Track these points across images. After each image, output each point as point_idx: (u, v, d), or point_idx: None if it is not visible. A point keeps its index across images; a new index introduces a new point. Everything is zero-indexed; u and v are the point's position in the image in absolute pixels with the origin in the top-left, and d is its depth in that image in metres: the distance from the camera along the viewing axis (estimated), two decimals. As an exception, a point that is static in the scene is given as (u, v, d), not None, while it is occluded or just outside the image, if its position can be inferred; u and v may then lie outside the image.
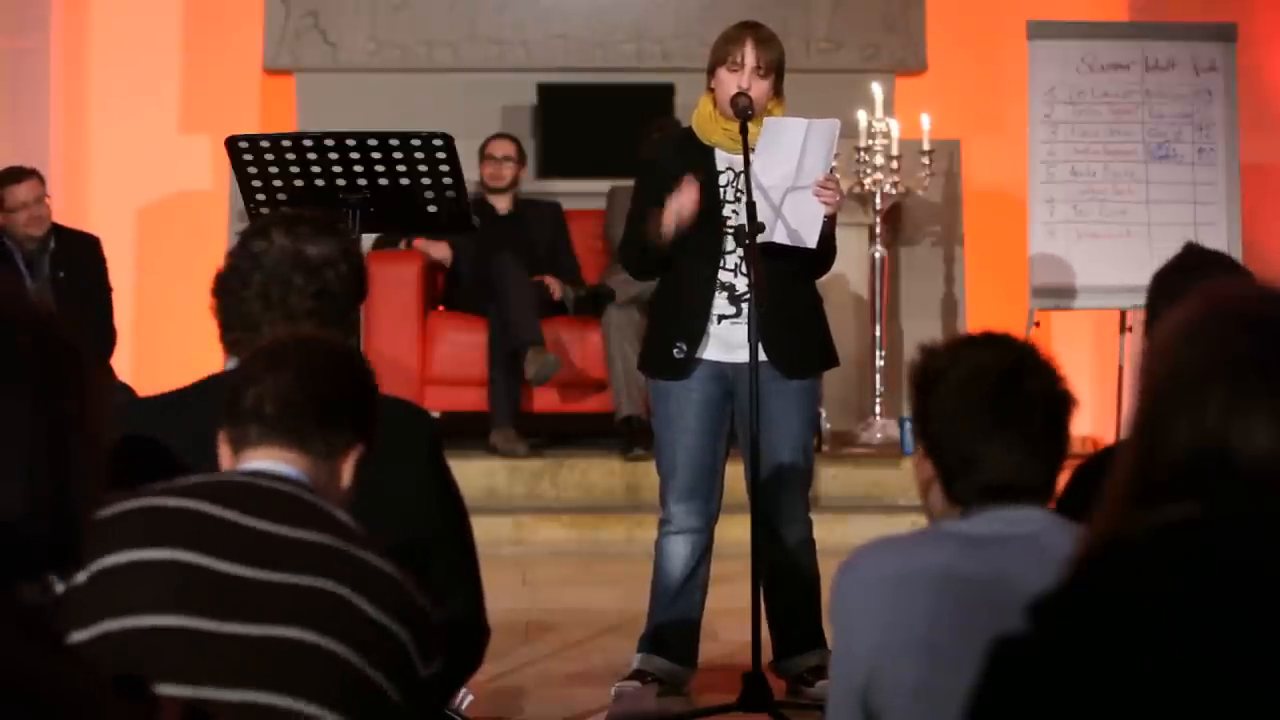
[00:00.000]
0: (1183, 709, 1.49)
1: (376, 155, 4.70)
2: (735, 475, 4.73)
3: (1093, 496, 1.67)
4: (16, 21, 7.96)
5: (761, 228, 4.39)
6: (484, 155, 7.74)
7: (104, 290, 7.16)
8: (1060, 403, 2.22)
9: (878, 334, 7.68)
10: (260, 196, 4.74)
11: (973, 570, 2.14)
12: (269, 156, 4.71)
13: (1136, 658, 1.50)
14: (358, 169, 4.70)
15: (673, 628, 4.69)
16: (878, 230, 7.76)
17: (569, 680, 4.95)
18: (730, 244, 4.62)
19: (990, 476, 2.20)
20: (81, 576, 2.08)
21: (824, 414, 7.27)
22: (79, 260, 7.08)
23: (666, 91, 8.26)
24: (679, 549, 4.68)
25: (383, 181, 4.72)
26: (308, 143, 4.71)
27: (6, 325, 1.52)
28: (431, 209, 4.81)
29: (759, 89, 4.55)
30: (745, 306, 4.58)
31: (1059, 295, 6.88)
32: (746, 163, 4.42)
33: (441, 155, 4.74)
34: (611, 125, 8.03)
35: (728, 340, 4.62)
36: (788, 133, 4.54)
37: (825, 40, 8.56)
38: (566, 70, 8.52)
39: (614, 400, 7.23)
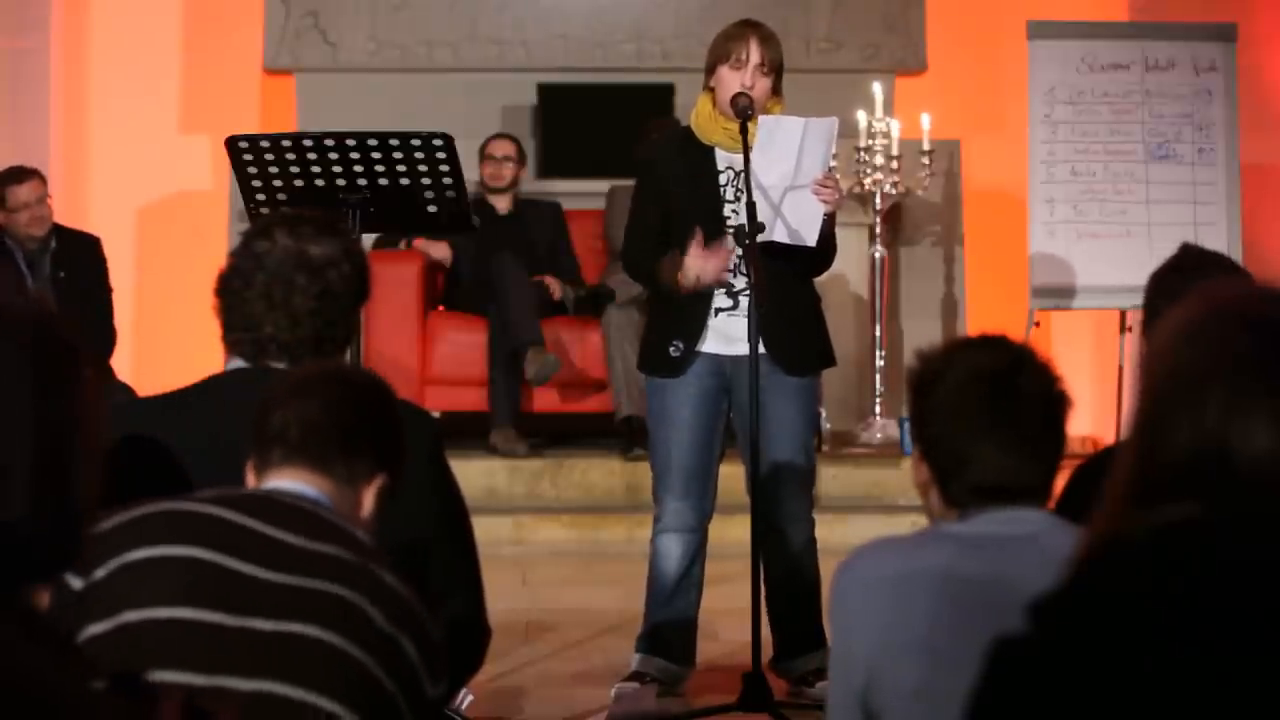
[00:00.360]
0: (1183, 709, 1.49)
1: (376, 155, 4.70)
2: (735, 475, 4.72)
3: (1092, 496, 1.67)
4: (16, 21, 7.97)
5: (761, 227, 4.39)
6: (484, 155, 7.74)
7: (104, 290, 7.16)
8: (1057, 404, 2.23)
9: (878, 334, 7.68)
10: (260, 196, 4.75)
11: (972, 571, 2.15)
12: (269, 156, 4.71)
13: (1136, 658, 1.50)
14: (358, 169, 4.71)
15: (670, 627, 4.69)
16: (878, 230, 7.76)
17: (569, 680, 4.94)
18: (730, 244, 4.62)
19: (985, 477, 2.20)
20: (103, 571, 2.11)
21: (824, 414, 7.27)
22: (79, 260, 7.08)
23: (666, 91, 8.26)
24: (673, 548, 4.66)
25: (383, 181, 4.72)
26: (308, 143, 4.71)
27: (5, 325, 1.52)
28: (431, 209, 4.81)
29: (761, 87, 4.55)
30: (743, 300, 4.57)
31: (1059, 295, 6.88)
32: (747, 162, 4.42)
33: (441, 155, 4.74)
34: (611, 125, 8.03)
35: (726, 333, 4.61)
36: (785, 132, 4.53)
37: (825, 40, 8.56)
38: (566, 70, 8.52)
39: (614, 400, 7.23)
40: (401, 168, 4.72)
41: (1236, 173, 6.85)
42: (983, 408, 2.20)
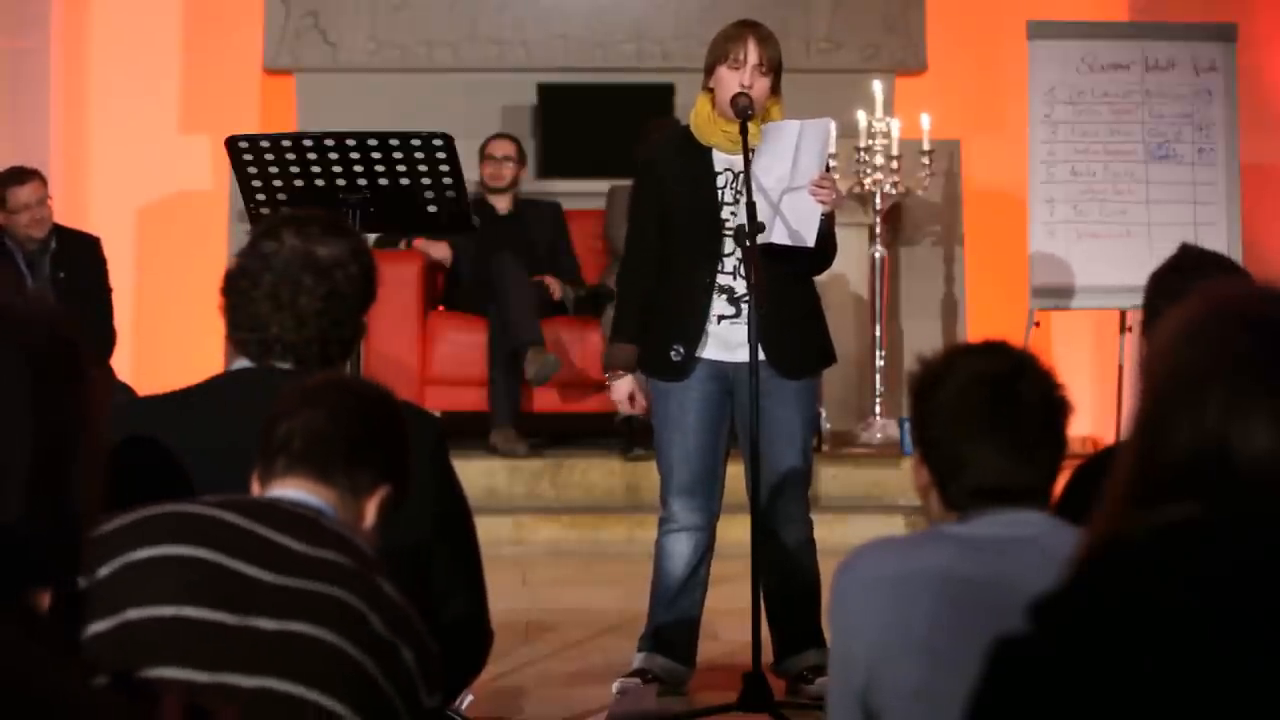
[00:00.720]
0: (1183, 709, 1.49)
1: (376, 155, 4.70)
2: (735, 475, 4.73)
3: (1092, 497, 1.67)
4: (16, 21, 7.96)
5: (761, 228, 4.39)
6: (484, 155, 7.74)
7: (104, 290, 7.15)
8: (1057, 409, 2.23)
9: (878, 334, 7.69)
10: (260, 197, 4.74)
11: (972, 571, 2.15)
12: (269, 156, 4.71)
13: (1136, 658, 1.50)
14: (358, 169, 4.71)
15: (673, 627, 4.69)
16: (878, 230, 7.76)
17: (569, 680, 4.95)
18: (729, 245, 4.62)
19: (983, 479, 2.21)
20: (106, 570, 2.12)
21: (824, 414, 7.27)
22: (79, 260, 7.08)
23: (666, 91, 8.26)
24: (680, 547, 4.68)
25: (383, 181, 4.72)
26: (308, 143, 4.71)
27: (5, 325, 1.52)
28: (431, 209, 4.81)
29: (760, 87, 4.55)
30: (745, 307, 4.58)
31: (1059, 295, 6.88)
32: (747, 163, 4.42)
33: (441, 155, 4.74)
34: (611, 125, 8.03)
35: (727, 340, 4.62)
36: (782, 135, 4.54)
37: (825, 40, 8.56)
38: (566, 70, 8.52)
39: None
40: (401, 168, 4.72)
41: (1236, 173, 6.85)
42: (983, 412, 2.21)
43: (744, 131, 4.45)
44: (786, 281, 4.57)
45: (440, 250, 7.56)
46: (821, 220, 4.54)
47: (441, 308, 7.66)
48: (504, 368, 7.25)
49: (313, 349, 2.81)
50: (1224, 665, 1.49)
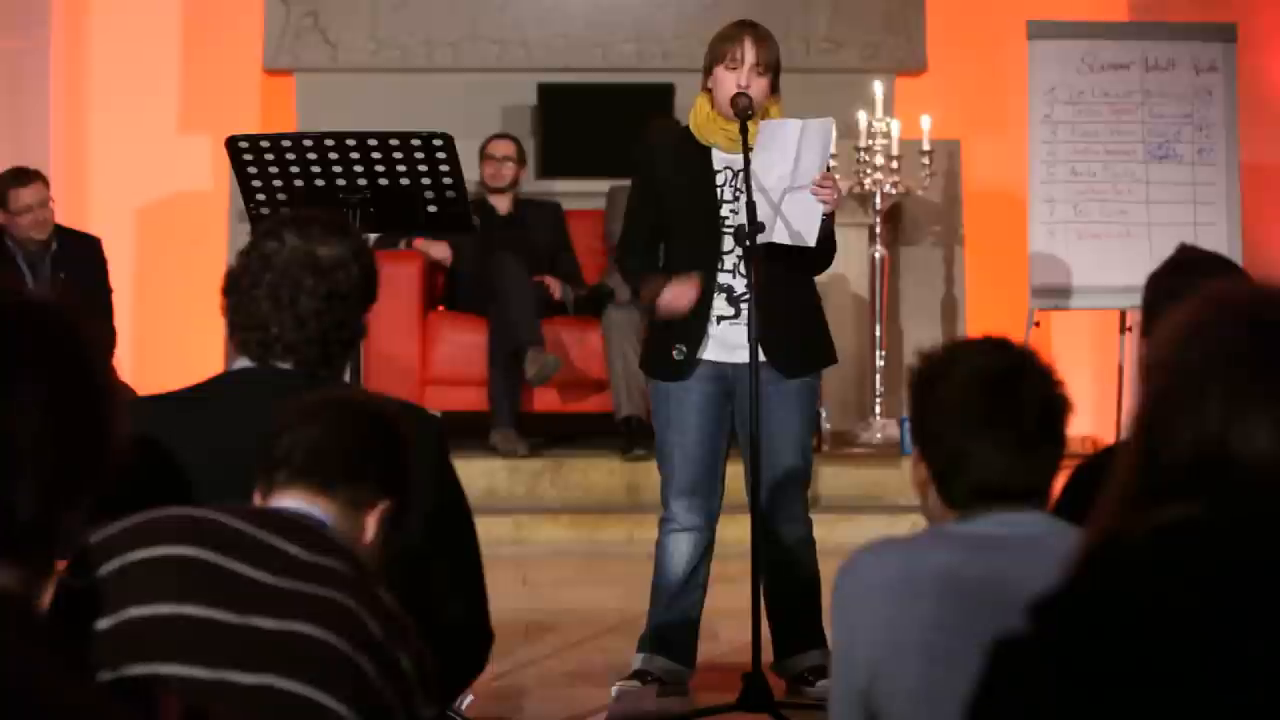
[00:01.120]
0: (1183, 709, 1.49)
1: (376, 155, 4.70)
2: (735, 475, 4.73)
3: (1092, 496, 1.67)
4: (16, 21, 7.96)
5: (761, 227, 4.39)
6: (484, 155, 7.74)
7: (104, 291, 7.15)
8: (1057, 407, 2.23)
9: (878, 334, 7.69)
10: (260, 197, 4.74)
11: (973, 571, 2.15)
12: (269, 157, 4.71)
13: (1137, 658, 1.50)
14: (358, 169, 4.71)
15: (673, 627, 4.69)
16: (878, 230, 7.76)
17: (569, 680, 4.95)
18: (729, 244, 4.62)
19: (981, 476, 2.21)
20: (107, 569, 2.13)
21: (824, 414, 7.27)
22: (80, 261, 7.08)
23: (666, 91, 8.26)
24: (681, 546, 4.68)
25: (383, 181, 4.72)
26: (308, 143, 4.71)
27: (14, 317, 1.52)
28: (431, 209, 4.81)
29: (758, 87, 4.54)
30: (744, 308, 4.58)
31: (1059, 295, 6.88)
32: (747, 163, 4.41)
33: (441, 155, 4.74)
34: (611, 125, 8.02)
35: (727, 341, 4.62)
36: (782, 134, 4.54)
37: (825, 40, 8.56)
38: (566, 70, 8.51)
39: (614, 400, 7.23)
40: (401, 168, 4.72)
41: (1236, 173, 6.85)
42: (983, 409, 2.20)
43: (744, 131, 4.45)
44: (787, 281, 4.57)
45: (440, 250, 7.55)
46: (822, 220, 4.55)
47: (441, 308, 7.65)
48: (504, 368, 7.25)
49: (313, 349, 2.81)
50: (1224, 665, 1.49)
